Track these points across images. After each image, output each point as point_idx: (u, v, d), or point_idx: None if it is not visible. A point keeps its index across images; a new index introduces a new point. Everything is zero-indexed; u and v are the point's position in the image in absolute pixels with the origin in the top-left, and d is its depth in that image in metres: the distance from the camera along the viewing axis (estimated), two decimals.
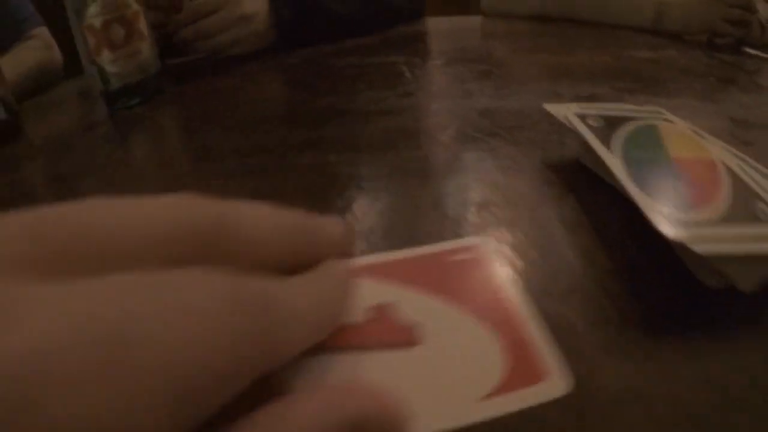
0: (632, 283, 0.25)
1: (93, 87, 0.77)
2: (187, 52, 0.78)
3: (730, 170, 0.30)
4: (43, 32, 1.11)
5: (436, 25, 0.89)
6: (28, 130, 0.64)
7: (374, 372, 0.17)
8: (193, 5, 0.73)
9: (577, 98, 0.48)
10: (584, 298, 0.24)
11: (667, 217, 0.23)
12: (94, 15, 0.61)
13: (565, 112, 0.34)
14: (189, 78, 0.68)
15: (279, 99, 0.60)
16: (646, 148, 0.30)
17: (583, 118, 0.33)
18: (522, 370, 0.17)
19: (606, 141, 0.31)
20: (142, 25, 0.64)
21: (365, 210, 0.32)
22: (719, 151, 0.32)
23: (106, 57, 0.63)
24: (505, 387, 0.17)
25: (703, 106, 0.50)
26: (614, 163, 0.27)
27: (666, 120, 0.36)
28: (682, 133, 0.34)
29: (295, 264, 0.17)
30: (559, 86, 0.53)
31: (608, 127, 0.33)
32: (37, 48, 1.07)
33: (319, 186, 0.36)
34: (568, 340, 0.20)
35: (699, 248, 0.22)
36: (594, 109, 0.36)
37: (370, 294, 0.19)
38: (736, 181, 0.29)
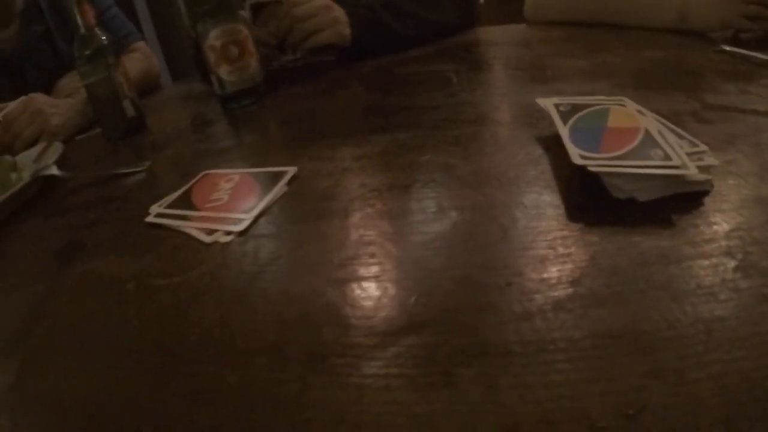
0: (571, 196, 0.49)
1: (190, 92, 1.08)
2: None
3: (648, 132, 0.53)
4: (142, 46, 1.41)
5: (484, 34, 1.15)
6: (149, 126, 0.94)
7: None
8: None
9: (576, 93, 0.71)
10: (540, 201, 0.49)
11: (579, 154, 0.48)
12: (214, 38, 0.90)
13: (547, 103, 0.58)
14: (287, 85, 0.98)
15: (359, 98, 0.88)
16: (591, 122, 0.54)
17: (557, 106, 0.58)
18: None
19: (566, 119, 0.55)
20: (251, 45, 0.93)
21: (422, 159, 0.60)
22: (651, 123, 0.55)
23: (223, 69, 0.92)
24: None
25: (681, 95, 0.71)
26: (562, 128, 0.52)
27: (620, 105, 0.59)
28: (626, 113, 0.57)
29: None
30: (568, 84, 0.77)
31: (573, 111, 0.57)
32: (140, 59, 1.35)
33: (391, 151, 0.63)
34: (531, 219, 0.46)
35: (592, 168, 0.46)
36: (570, 100, 0.60)
37: None
38: (648, 138, 0.51)
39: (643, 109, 0.59)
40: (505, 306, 0.39)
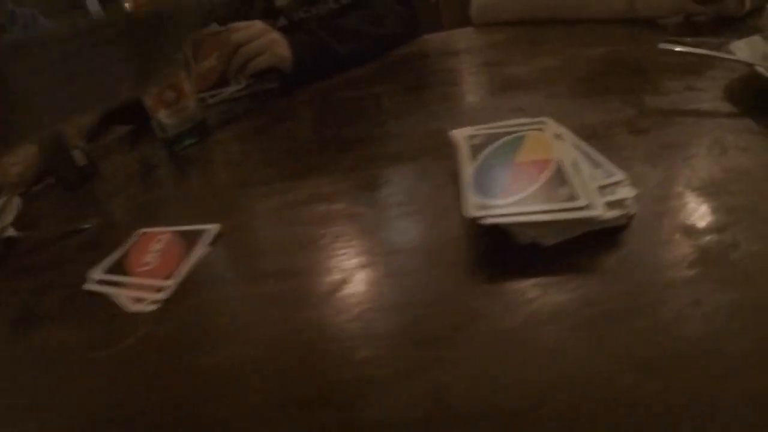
0: (473, 246, 0.49)
1: (138, 131, 1.09)
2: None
3: (559, 166, 0.51)
4: None
5: (428, 44, 1.16)
6: (101, 170, 0.94)
7: None
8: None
9: (510, 110, 0.70)
10: (441, 255, 0.49)
11: (477, 203, 0.47)
12: None
13: (460, 135, 0.58)
14: (229, 121, 0.99)
15: (292, 135, 0.91)
16: (500, 156, 0.53)
17: (471, 138, 0.57)
18: None
19: (477, 154, 0.54)
20: (187, 87, 0.93)
21: (333, 208, 0.61)
22: (566, 151, 0.54)
23: (162, 113, 0.92)
24: None
25: (618, 100, 0.69)
26: (466, 169, 0.51)
27: (538, 130, 0.58)
28: (540, 140, 0.56)
29: None
30: (502, 100, 0.76)
31: (486, 142, 0.56)
32: None
33: (307, 201, 0.65)
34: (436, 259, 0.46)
35: (486, 222, 0.45)
36: (486, 129, 0.59)
37: None
38: (557, 173, 0.50)
39: (564, 131, 0.58)
40: (374, 379, 0.40)
